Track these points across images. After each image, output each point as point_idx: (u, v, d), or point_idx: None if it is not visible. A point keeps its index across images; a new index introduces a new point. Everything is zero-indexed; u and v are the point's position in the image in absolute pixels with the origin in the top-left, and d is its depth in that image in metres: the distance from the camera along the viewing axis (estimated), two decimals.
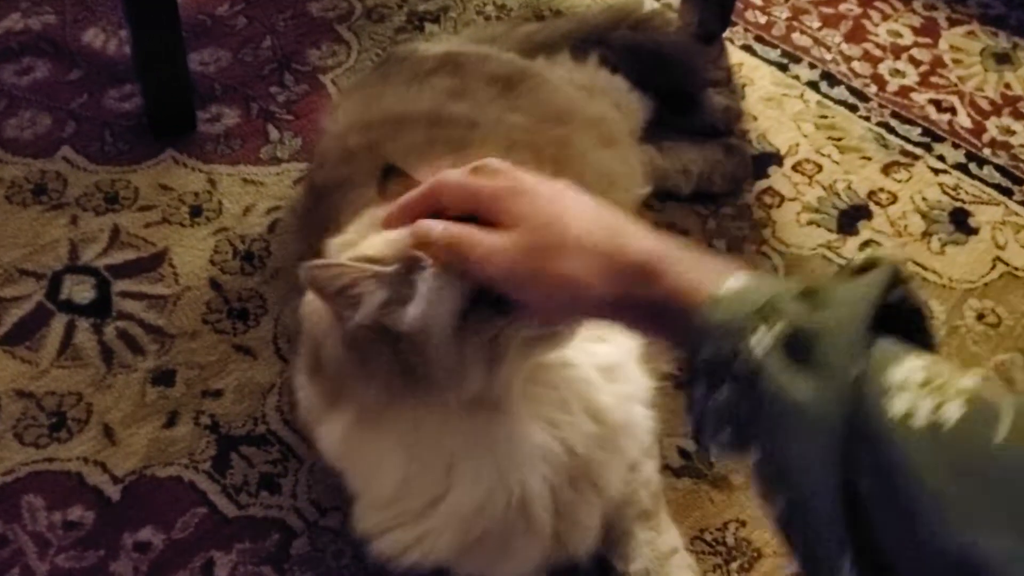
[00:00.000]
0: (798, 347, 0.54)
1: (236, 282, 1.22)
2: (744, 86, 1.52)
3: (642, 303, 0.63)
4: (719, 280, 0.60)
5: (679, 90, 1.39)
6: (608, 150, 1.16)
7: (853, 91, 1.53)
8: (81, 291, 1.20)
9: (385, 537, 0.83)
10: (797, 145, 1.45)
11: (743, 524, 1.04)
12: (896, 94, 1.53)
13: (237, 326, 1.17)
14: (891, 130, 1.48)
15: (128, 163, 1.34)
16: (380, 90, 1.15)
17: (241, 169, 1.35)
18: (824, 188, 1.40)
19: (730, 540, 1.03)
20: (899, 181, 1.41)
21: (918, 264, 1.30)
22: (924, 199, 1.39)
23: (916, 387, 0.52)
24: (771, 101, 1.50)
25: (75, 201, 1.29)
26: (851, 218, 1.36)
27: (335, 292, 0.68)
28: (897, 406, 0.51)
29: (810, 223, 1.35)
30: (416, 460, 0.79)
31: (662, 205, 1.33)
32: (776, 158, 1.42)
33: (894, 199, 1.39)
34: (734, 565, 1.02)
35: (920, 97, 1.53)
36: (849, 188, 1.40)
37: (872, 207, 1.38)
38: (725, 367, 0.57)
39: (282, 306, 1.17)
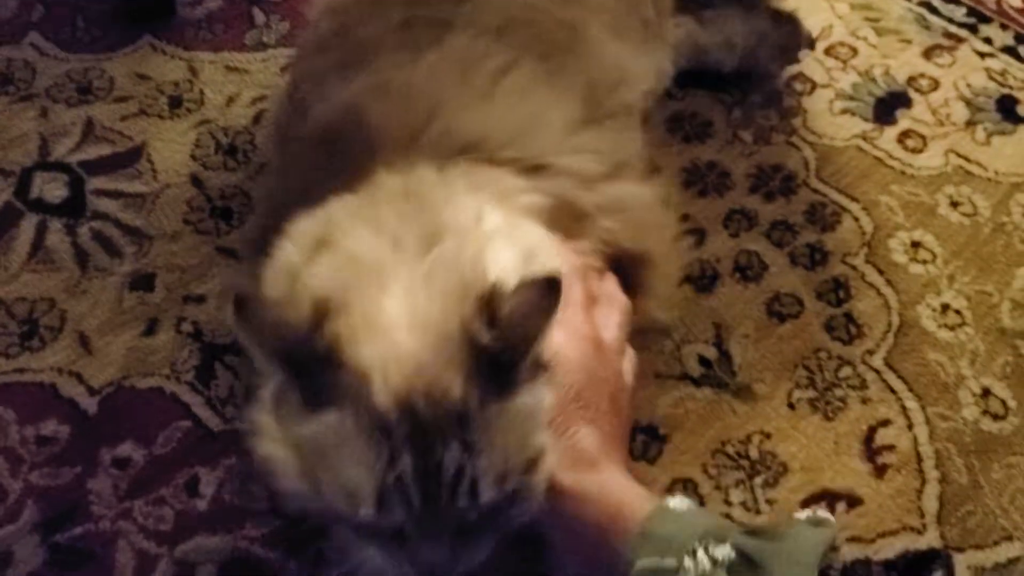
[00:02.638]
0: (748, 568, 0.59)
1: (219, 178, 1.12)
2: None
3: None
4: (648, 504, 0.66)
5: None
6: (620, 44, 1.04)
7: None
8: (53, 189, 1.11)
9: None
10: (830, 27, 1.33)
11: (768, 436, 0.97)
12: None
13: (220, 226, 1.08)
14: (933, 10, 1.35)
15: (102, 51, 1.24)
16: None
17: (224, 56, 1.24)
18: (859, 74, 1.28)
19: (754, 453, 0.96)
20: (941, 66, 1.29)
21: (961, 156, 1.19)
22: (968, 85, 1.27)
23: None
24: None
25: (45, 92, 1.19)
26: (889, 106, 1.25)
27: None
28: None
29: (844, 112, 1.24)
30: None
31: (683, 94, 1.22)
32: (808, 41, 1.30)
33: (936, 85, 1.27)
34: (758, 480, 0.94)
35: None
36: (887, 74, 1.28)
37: (912, 94, 1.26)
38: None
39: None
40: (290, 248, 0.73)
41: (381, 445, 0.60)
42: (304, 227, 0.74)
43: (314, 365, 0.62)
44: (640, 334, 0.89)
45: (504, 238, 0.73)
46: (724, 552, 0.60)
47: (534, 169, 0.82)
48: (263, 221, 0.86)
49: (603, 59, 0.99)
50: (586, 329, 0.76)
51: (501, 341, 0.61)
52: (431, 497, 0.61)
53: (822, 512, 0.66)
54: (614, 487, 0.68)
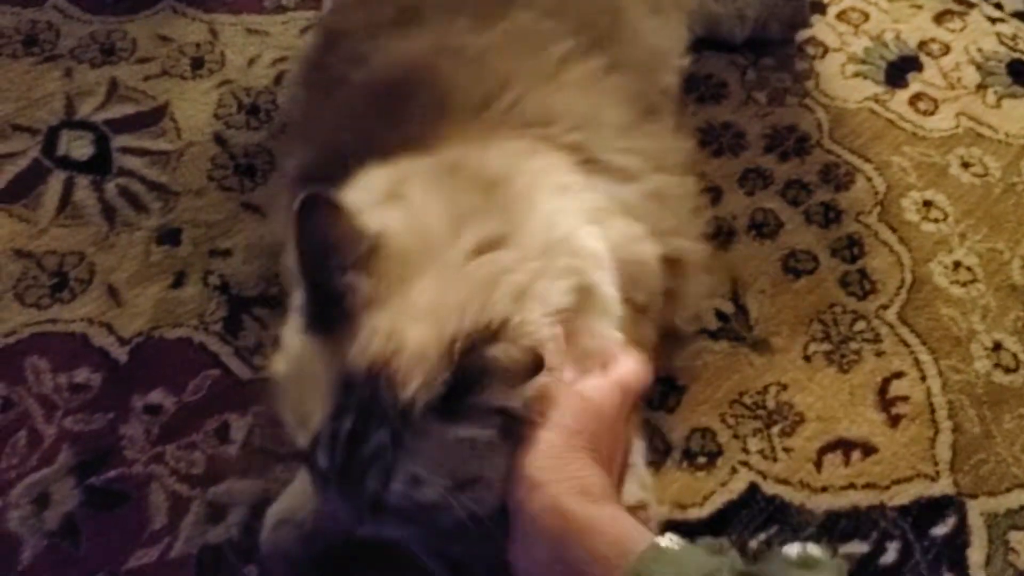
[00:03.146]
0: None
1: (242, 136, 1.14)
2: None
3: None
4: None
5: None
6: (657, 18, 1.06)
7: None
8: (79, 147, 1.12)
9: None
10: None
11: (784, 387, 0.99)
12: None
13: (244, 183, 1.10)
14: None
15: (124, 13, 1.26)
16: None
17: (244, 18, 1.26)
18: (871, 38, 1.30)
19: (770, 403, 0.98)
20: (952, 31, 1.31)
21: (972, 118, 1.21)
22: (979, 50, 1.29)
23: None
24: None
25: (69, 53, 1.21)
26: (900, 70, 1.27)
27: None
28: None
29: (856, 75, 1.26)
30: None
31: (699, 56, 1.24)
32: (819, 6, 1.32)
33: (947, 50, 1.29)
34: (775, 429, 0.96)
35: None
36: (898, 38, 1.30)
37: (923, 58, 1.28)
38: None
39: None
40: (359, 195, 0.73)
41: (337, 397, 0.62)
42: (376, 177, 0.75)
43: (331, 294, 0.64)
44: (661, 339, 0.90)
45: (564, 271, 0.72)
46: None
47: (589, 162, 0.83)
48: (311, 158, 0.87)
49: (644, 43, 1.01)
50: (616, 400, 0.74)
51: (463, 373, 0.61)
52: (348, 465, 0.63)
53: (813, 548, 0.61)
54: (622, 519, 0.66)
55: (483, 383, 0.61)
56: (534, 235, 0.70)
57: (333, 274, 0.64)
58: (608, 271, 0.76)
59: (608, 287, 0.75)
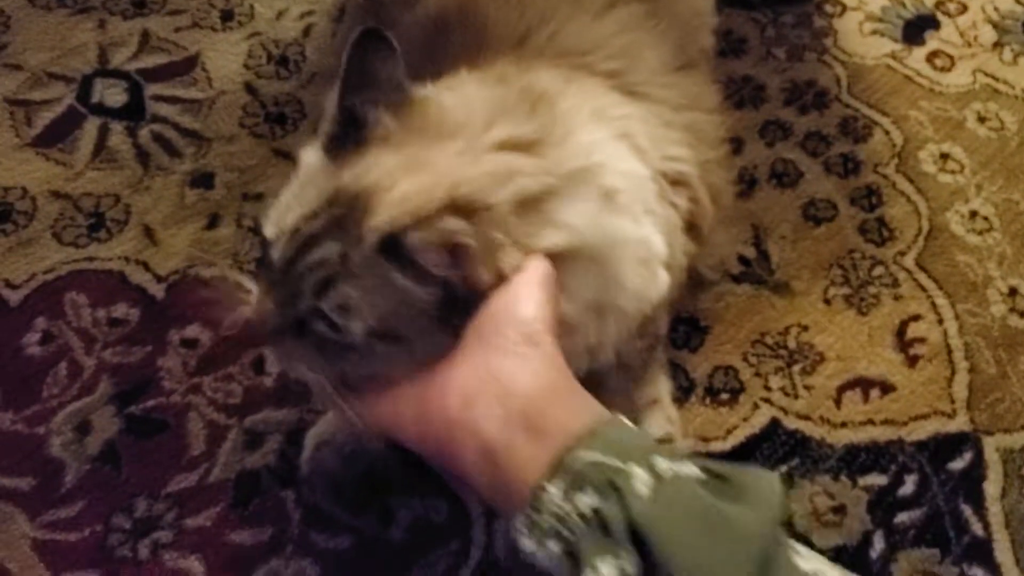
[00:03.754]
0: (716, 482, 0.54)
1: (272, 86, 1.16)
2: None
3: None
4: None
5: None
6: None
7: None
8: (113, 94, 1.14)
9: None
10: None
11: (805, 328, 1.01)
12: None
13: (275, 130, 1.12)
14: None
15: None
16: None
17: None
18: None
19: (791, 344, 1.00)
20: None
21: (988, 75, 1.23)
22: (996, 8, 1.31)
23: (824, 561, 0.54)
24: None
25: (101, 5, 1.23)
26: (917, 28, 1.28)
27: None
28: (806, 566, 0.53)
29: (874, 32, 1.28)
30: None
31: (720, 12, 1.25)
32: None
33: (964, 8, 1.31)
34: (796, 368, 0.99)
35: None
36: None
37: (940, 17, 1.30)
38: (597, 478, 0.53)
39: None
40: None
41: (318, 205, 0.63)
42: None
43: (355, 120, 0.65)
44: (687, 285, 0.90)
45: (587, 194, 0.70)
46: (688, 468, 0.54)
47: (627, 89, 0.84)
48: None
49: (687, 2, 1.02)
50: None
51: (409, 228, 0.61)
52: (294, 264, 0.63)
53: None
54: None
55: (413, 236, 0.60)
56: (564, 158, 0.69)
57: (365, 104, 0.65)
58: (647, 197, 0.77)
59: (644, 214, 0.76)
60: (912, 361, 1.00)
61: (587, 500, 0.52)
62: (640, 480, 0.52)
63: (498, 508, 0.60)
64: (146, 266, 1.01)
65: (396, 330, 0.62)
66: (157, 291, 1.00)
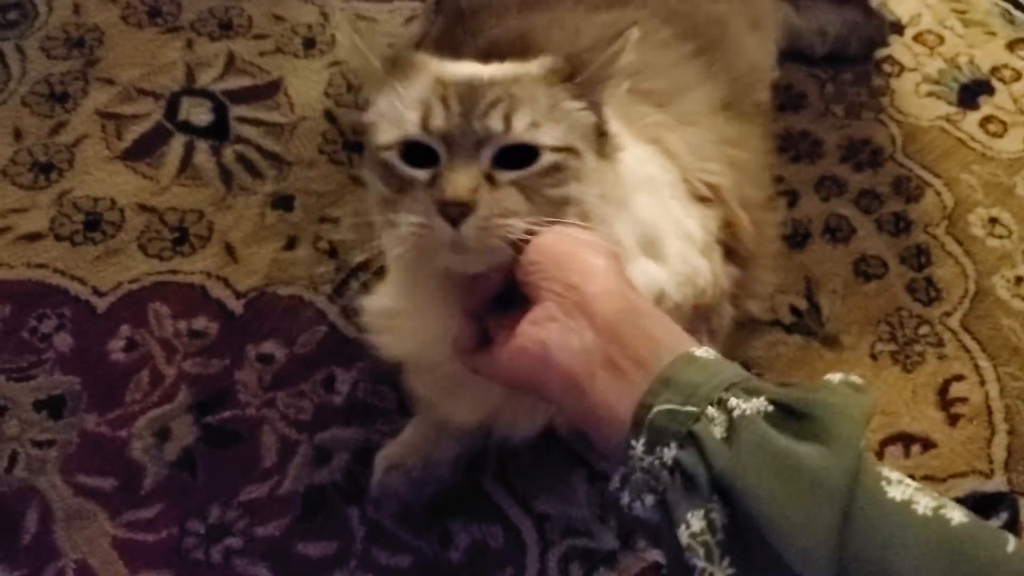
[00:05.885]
0: (789, 419, 0.54)
1: (350, 116, 1.21)
2: None
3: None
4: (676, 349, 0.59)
5: None
6: (756, 33, 1.12)
7: None
8: (199, 113, 1.20)
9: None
10: (919, 15, 1.40)
11: None
12: None
13: (353, 158, 1.17)
14: (1019, 6, 1.42)
15: None
16: None
17: (354, 4, 1.33)
18: (945, 60, 1.35)
19: None
20: None
21: None
22: None
23: (912, 486, 0.52)
24: None
25: (190, 25, 1.28)
26: (972, 92, 1.32)
27: None
28: (895, 493, 0.51)
29: (929, 94, 1.32)
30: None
31: (781, 66, 1.30)
32: (897, 27, 1.38)
33: (1018, 76, 1.34)
34: None
35: None
36: (971, 63, 1.36)
37: (995, 83, 1.34)
38: (678, 428, 0.55)
39: None
40: None
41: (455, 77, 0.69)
42: None
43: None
44: (738, 327, 0.95)
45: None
46: (758, 404, 0.54)
47: (678, 121, 0.88)
48: None
49: (745, 56, 1.06)
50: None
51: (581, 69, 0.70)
52: (469, 113, 0.65)
53: (855, 377, 0.58)
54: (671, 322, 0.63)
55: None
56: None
57: None
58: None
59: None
60: (953, 420, 1.04)
61: (669, 452, 0.54)
62: (717, 422, 0.54)
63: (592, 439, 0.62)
64: (226, 282, 1.06)
65: (574, 144, 0.69)
66: (236, 307, 1.05)
